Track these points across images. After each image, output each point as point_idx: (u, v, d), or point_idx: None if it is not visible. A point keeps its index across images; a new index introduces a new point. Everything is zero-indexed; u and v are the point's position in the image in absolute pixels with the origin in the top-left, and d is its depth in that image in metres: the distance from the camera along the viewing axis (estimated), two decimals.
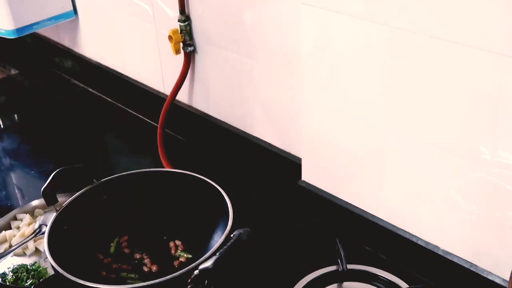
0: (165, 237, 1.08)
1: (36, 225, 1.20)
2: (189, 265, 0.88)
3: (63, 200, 1.06)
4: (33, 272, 1.10)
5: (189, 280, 0.87)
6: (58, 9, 1.68)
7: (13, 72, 2.03)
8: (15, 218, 1.26)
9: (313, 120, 1.14)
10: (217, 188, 1.03)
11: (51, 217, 1.01)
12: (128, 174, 1.11)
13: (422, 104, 0.95)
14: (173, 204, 1.11)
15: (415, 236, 1.07)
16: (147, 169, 1.12)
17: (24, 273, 1.10)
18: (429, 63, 0.91)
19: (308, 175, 1.23)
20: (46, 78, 1.95)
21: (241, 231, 0.90)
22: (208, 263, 0.86)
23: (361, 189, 1.13)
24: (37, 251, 1.18)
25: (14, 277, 1.10)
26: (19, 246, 1.16)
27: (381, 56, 0.97)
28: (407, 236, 1.08)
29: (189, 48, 1.38)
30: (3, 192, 1.42)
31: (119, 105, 1.70)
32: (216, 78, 1.39)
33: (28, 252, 1.17)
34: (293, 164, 1.26)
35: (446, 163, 0.96)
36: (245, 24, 1.23)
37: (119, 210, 1.10)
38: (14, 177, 1.51)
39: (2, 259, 1.15)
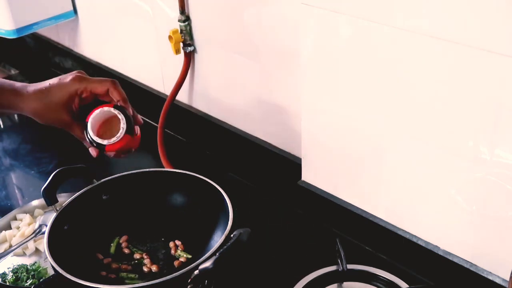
0: (163, 239, 1.08)
1: (36, 225, 1.20)
2: (189, 265, 0.88)
3: (63, 200, 1.06)
4: (33, 272, 1.10)
5: (189, 280, 0.87)
6: (58, 9, 1.68)
7: (13, 72, 2.03)
8: (15, 218, 1.26)
9: (313, 120, 1.15)
10: (217, 188, 1.03)
11: (51, 217, 1.01)
12: (128, 174, 1.11)
13: (422, 104, 0.95)
14: (173, 204, 1.11)
15: (415, 236, 1.07)
16: (147, 169, 1.12)
17: (24, 273, 1.10)
18: (429, 63, 0.91)
19: (308, 175, 1.23)
20: (46, 78, 1.95)
21: (241, 231, 0.90)
22: (208, 263, 0.86)
23: (361, 189, 1.13)
24: (37, 251, 1.18)
25: (14, 277, 1.10)
26: (19, 246, 1.16)
27: (381, 56, 0.97)
28: (407, 236, 1.08)
29: (189, 48, 1.38)
30: (3, 192, 1.42)
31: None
32: (216, 78, 1.39)
33: (28, 252, 1.17)
34: (293, 164, 1.26)
35: (446, 163, 0.96)
36: (245, 24, 1.23)
37: (119, 210, 1.09)
38: (14, 177, 1.52)
39: (2, 259, 1.15)
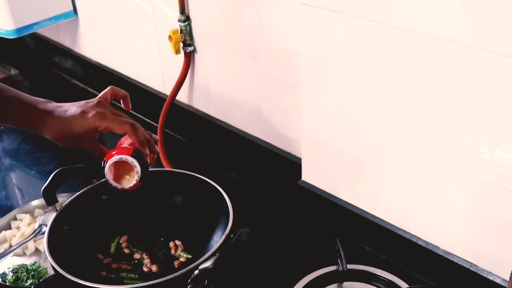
0: (163, 239, 1.07)
1: (36, 225, 1.20)
2: (189, 265, 0.88)
3: (63, 200, 1.06)
4: (33, 272, 1.10)
5: (189, 280, 0.87)
6: (58, 9, 1.68)
7: (13, 72, 2.03)
8: (15, 218, 1.26)
9: (313, 120, 1.15)
10: (217, 188, 1.03)
11: (51, 217, 1.01)
12: None
13: (422, 104, 0.95)
14: (173, 204, 1.11)
15: (415, 236, 1.07)
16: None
17: (24, 273, 1.10)
18: (429, 63, 0.91)
19: (308, 175, 1.23)
20: (46, 78, 1.95)
21: (241, 231, 0.90)
22: (208, 263, 0.86)
23: (361, 189, 1.13)
24: (37, 251, 1.18)
25: (14, 277, 1.10)
26: (19, 246, 1.16)
27: (381, 56, 0.97)
28: (407, 236, 1.08)
29: (189, 48, 1.38)
30: (3, 192, 1.42)
31: (119, 105, 1.70)
32: (216, 78, 1.39)
33: (28, 252, 1.17)
34: (293, 164, 1.26)
35: (446, 163, 0.96)
36: (245, 24, 1.23)
37: (119, 210, 1.09)
38: (14, 177, 1.51)
39: (2, 259, 1.15)
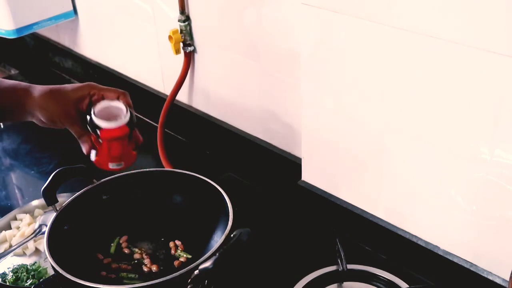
0: (162, 239, 1.08)
1: (36, 225, 1.20)
2: (189, 265, 0.88)
3: (63, 200, 1.06)
4: (33, 272, 1.10)
5: (189, 280, 0.87)
6: (58, 9, 1.68)
7: (13, 72, 2.03)
8: (15, 218, 1.26)
9: (313, 120, 1.15)
10: (217, 188, 1.03)
11: (51, 217, 1.01)
12: (128, 174, 1.11)
13: (422, 104, 0.95)
14: (173, 204, 1.11)
15: (415, 236, 1.07)
16: (147, 169, 1.12)
17: (24, 273, 1.10)
18: (429, 63, 0.91)
19: (308, 175, 1.23)
20: (46, 78, 1.95)
21: (241, 231, 0.90)
22: (208, 263, 0.86)
23: (361, 189, 1.13)
24: (37, 251, 1.18)
25: (14, 277, 1.10)
26: (19, 246, 1.16)
27: (381, 56, 0.97)
28: (407, 236, 1.08)
29: (189, 48, 1.38)
30: (3, 192, 1.42)
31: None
32: (216, 78, 1.39)
33: (28, 252, 1.17)
34: (293, 164, 1.26)
35: (446, 163, 0.96)
36: (245, 24, 1.23)
37: (119, 210, 1.09)
38: (14, 177, 1.52)
39: (2, 259, 1.15)
